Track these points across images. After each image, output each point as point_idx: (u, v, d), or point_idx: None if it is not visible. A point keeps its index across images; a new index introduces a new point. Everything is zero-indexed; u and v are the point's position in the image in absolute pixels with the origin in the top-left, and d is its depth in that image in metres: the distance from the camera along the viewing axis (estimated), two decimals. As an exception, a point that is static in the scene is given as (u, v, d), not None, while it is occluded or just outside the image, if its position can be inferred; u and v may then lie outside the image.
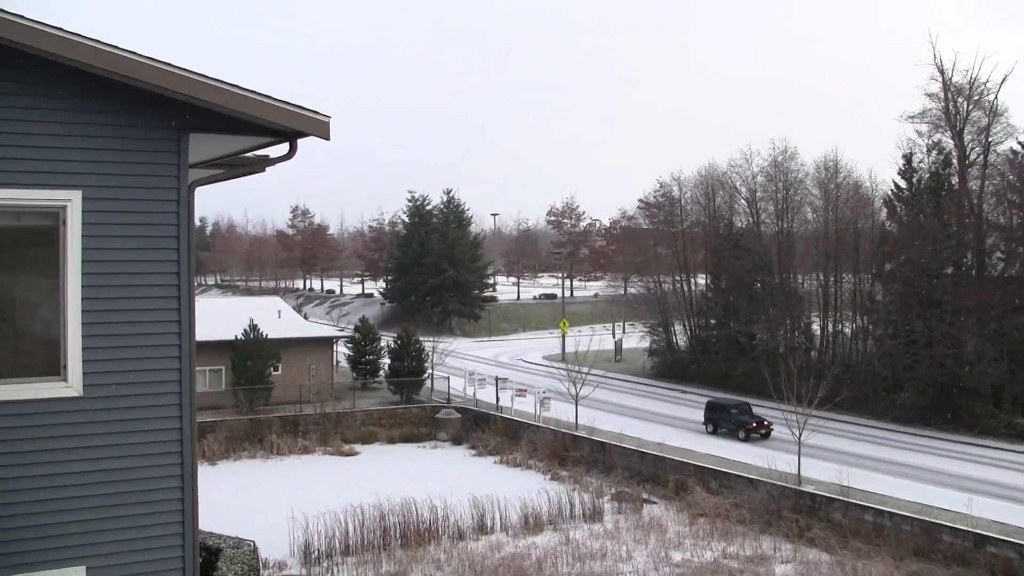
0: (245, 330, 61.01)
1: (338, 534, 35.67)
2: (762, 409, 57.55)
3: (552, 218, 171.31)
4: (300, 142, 11.33)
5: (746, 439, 53.65)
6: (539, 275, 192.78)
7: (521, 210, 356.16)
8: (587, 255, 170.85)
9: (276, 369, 62.38)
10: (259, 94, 10.68)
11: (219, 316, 62.98)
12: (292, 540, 35.08)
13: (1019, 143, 62.37)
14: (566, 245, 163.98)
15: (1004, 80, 63.45)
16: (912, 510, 36.94)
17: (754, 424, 54.56)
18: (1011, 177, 62.40)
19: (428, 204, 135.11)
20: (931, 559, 33.79)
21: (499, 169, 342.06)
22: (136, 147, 10.50)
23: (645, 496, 43.77)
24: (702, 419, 56.92)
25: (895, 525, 36.13)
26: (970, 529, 34.01)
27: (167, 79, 10.10)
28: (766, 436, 53.61)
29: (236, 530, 25.77)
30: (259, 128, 11.02)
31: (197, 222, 16.35)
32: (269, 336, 61.66)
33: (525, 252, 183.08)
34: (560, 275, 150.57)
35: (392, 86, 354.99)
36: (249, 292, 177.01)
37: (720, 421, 56.24)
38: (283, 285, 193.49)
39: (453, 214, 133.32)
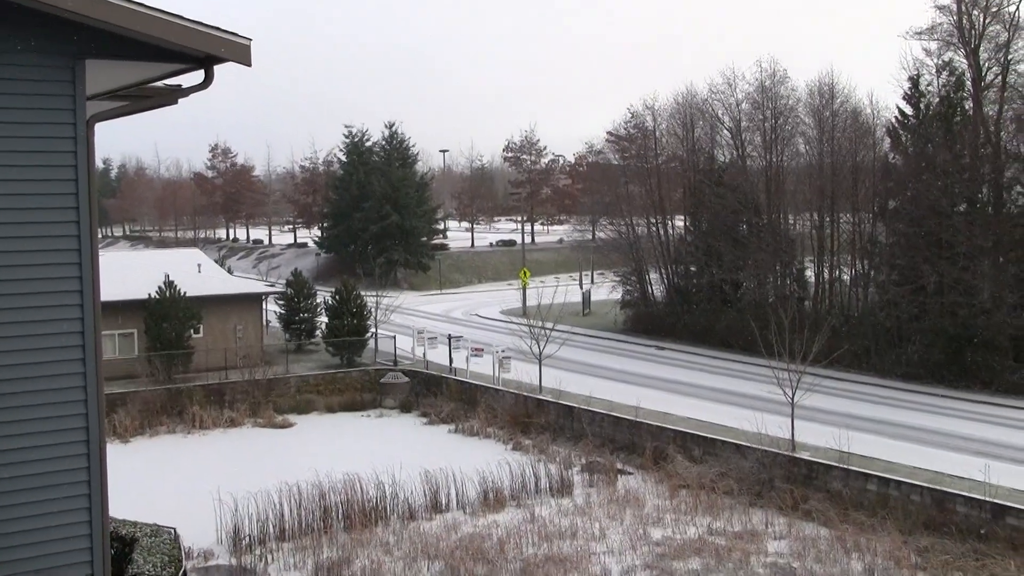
0: (160, 287, 60.45)
1: (272, 517, 35.63)
2: (750, 367, 57.98)
3: (509, 154, 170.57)
4: (217, 69, 11.15)
5: None
6: (496, 219, 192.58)
7: (474, 145, 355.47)
8: (550, 195, 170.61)
9: (197, 331, 61.97)
10: (167, 13, 10.47)
11: (128, 272, 62.34)
12: (219, 525, 35.01)
13: (1044, 60, 62.34)
14: (526, 185, 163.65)
15: (1028, -13, 62.91)
16: (922, 478, 37.28)
17: None
18: (1034, 100, 62.39)
19: (368, 140, 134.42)
20: (943, 533, 34.18)
21: (448, 99, 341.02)
22: (22, 75, 10.26)
23: (619, 466, 44.07)
24: (685, 380, 52.28)
25: (902, 495, 36.56)
26: (988, 499, 34.22)
27: (56, -5, 9.85)
28: None
29: (154, 516, 25.71)
30: (169, 53, 10.83)
31: (99, 163, 16.13)
32: (188, 294, 61.12)
33: (480, 193, 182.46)
34: (520, 219, 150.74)
35: (322, 6, 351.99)
36: (163, 244, 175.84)
37: None
38: (203, 235, 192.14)
39: (396, 151, 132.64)
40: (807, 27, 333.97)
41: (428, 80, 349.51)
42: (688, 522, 36.23)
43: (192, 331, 61.18)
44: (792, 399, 41.99)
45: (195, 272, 67.88)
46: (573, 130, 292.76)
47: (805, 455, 40.41)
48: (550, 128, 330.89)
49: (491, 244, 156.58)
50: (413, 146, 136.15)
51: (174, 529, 24.54)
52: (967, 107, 63.25)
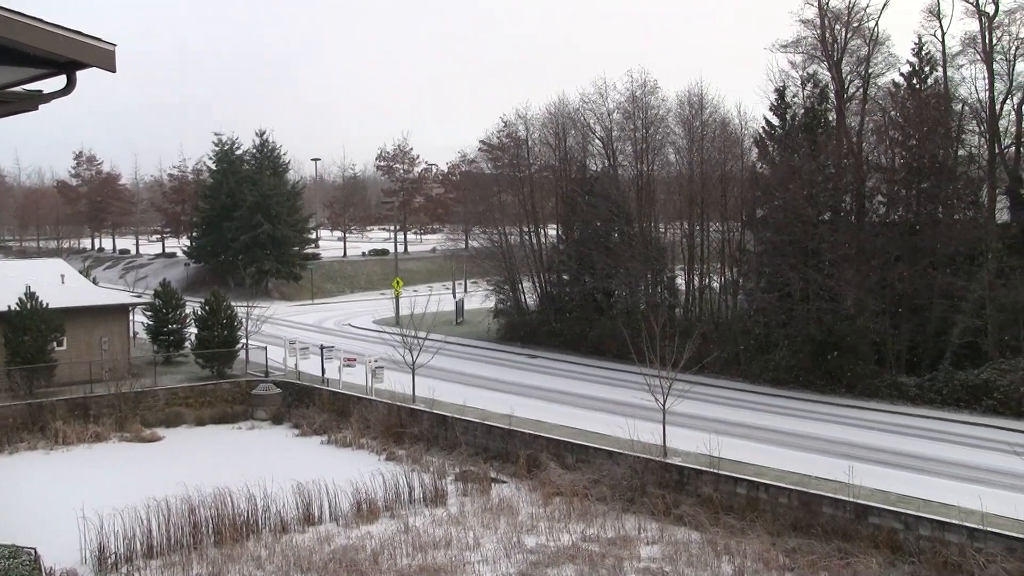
0: (20, 299, 58.88)
1: (139, 534, 34.93)
2: (622, 374, 58.56)
3: (382, 163, 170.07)
4: (81, 75, 10.93)
5: None
6: (369, 228, 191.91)
7: (346, 154, 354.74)
8: (423, 204, 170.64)
9: (60, 344, 60.50)
10: (26, 16, 10.22)
11: (-12, 283, 60.89)
12: (83, 544, 34.15)
13: (901, 75, 64.14)
14: (398, 193, 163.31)
15: (886, 5, 64.40)
16: (789, 481, 38.08)
17: None
18: (893, 113, 64.02)
19: (238, 148, 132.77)
20: (810, 534, 35.01)
21: (320, 108, 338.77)
22: None
23: (493, 475, 44.17)
24: (559, 388, 53.07)
25: (771, 498, 37.31)
26: (851, 499, 35.21)
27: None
28: None
29: (12, 537, 25.12)
30: (29, 58, 10.58)
31: (-44, 171, 15.69)
32: (50, 305, 59.59)
33: (352, 202, 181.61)
34: (392, 228, 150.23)
35: (192, 18, 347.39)
36: (25, 254, 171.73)
37: None
38: (66, 245, 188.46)
39: (267, 160, 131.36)
40: (677, 38, 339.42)
41: (299, 89, 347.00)
42: (562, 529, 36.45)
43: (55, 343, 59.72)
44: (664, 405, 42.44)
45: (58, 283, 66.33)
46: (446, 139, 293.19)
47: (677, 461, 40.93)
48: (423, 137, 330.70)
49: (364, 253, 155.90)
50: (284, 155, 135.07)
51: (34, 549, 23.99)
52: (831, 118, 64.93)
